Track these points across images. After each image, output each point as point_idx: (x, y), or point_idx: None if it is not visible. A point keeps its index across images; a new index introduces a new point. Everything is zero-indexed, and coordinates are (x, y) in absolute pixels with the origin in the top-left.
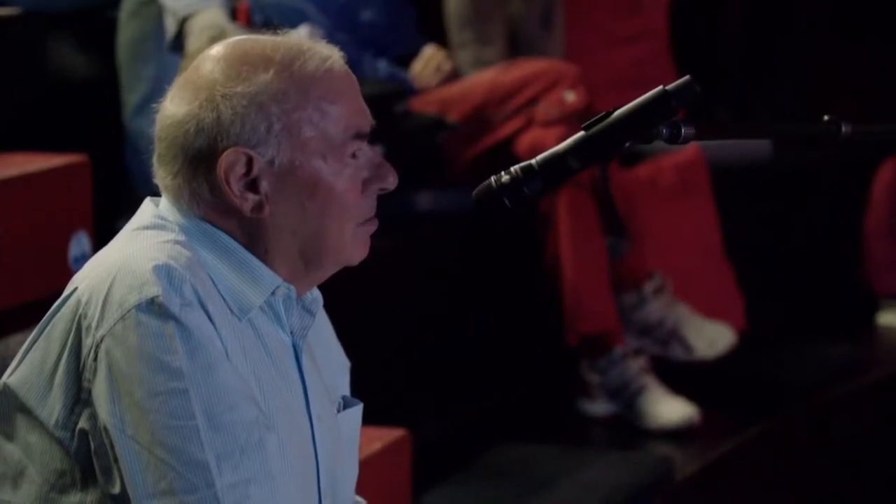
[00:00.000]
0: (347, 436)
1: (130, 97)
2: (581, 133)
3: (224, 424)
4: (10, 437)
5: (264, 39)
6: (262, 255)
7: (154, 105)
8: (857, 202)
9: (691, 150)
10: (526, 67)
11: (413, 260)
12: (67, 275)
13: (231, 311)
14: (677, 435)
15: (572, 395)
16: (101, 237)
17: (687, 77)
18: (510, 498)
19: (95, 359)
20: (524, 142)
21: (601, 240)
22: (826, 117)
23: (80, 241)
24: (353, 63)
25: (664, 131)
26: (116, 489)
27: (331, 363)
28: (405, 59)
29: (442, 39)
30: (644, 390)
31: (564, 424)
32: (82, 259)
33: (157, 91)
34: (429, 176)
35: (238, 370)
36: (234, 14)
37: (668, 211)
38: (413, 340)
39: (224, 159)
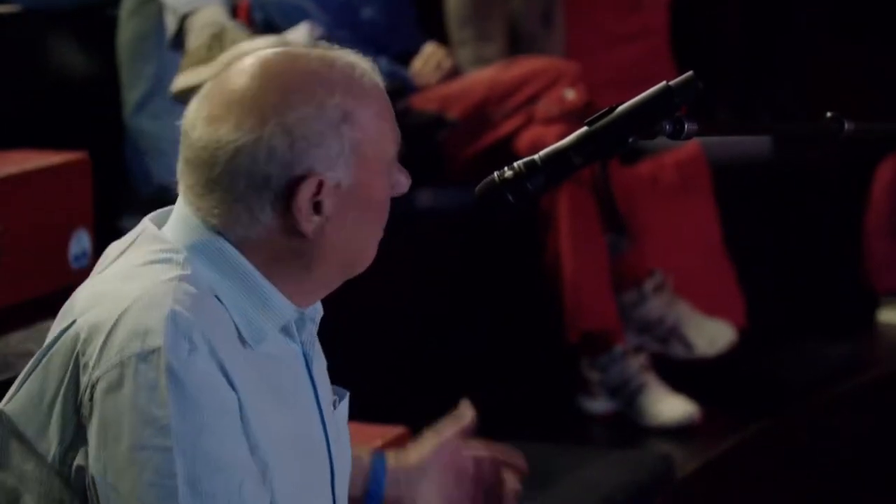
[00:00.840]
0: (342, 425)
1: (131, 95)
2: (584, 129)
3: (204, 490)
4: (3, 464)
5: (312, 55)
6: (301, 272)
7: (154, 102)
8: (858, 200)
9: (692, 147)
10: (526, 65)
11: (413, 258)
12: (68, 273)
13: (242, 337)
14: (678, 433)
15: (572, 393)
16: (102, 235)
17: (689, 73)
18: None
19: (91, 398)
20: (524, 139)
21: (601, 237)
22: (828, 114)
23: (81, 239)
24: None
25: (667, 127)
26: None
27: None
28: (405, 57)
29: (442, 37)
30: (644, 388)
31: (564, 422)
32: (82, 257)
33: (157, 89)
34: (429, 173)
35: (247, 413)
36: (234, 11)
37: (669, 209)
38: (413, 338)
39: (306, 187)
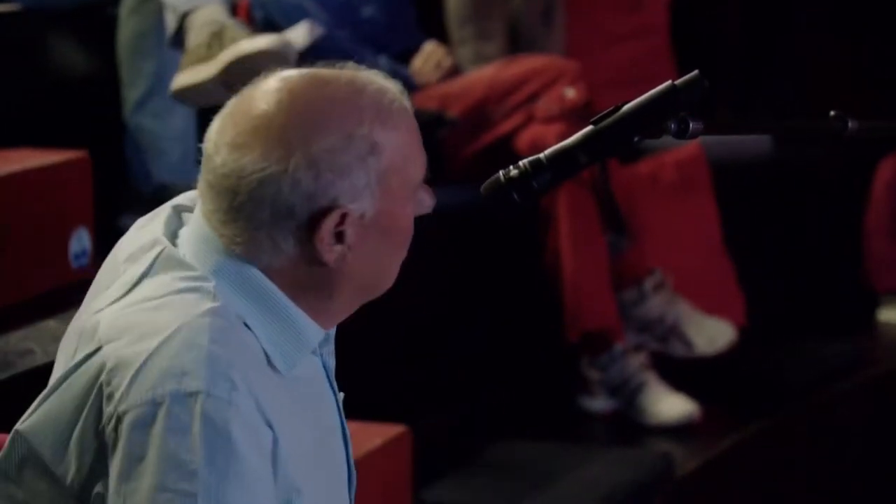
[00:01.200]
0: None
1: (131, 93)
2: (590, 127)
3: None
4: (15, 481)
5: (341, 81)
6: (324, 299)
7: (154, 100)
8: (858, 199)
9: (692, 147)
10: (526, 64)
11: (413, 256)
12: (68, 271)
13: (271, 363)
14: (677, 431)
15: (573, 392)
16: (102, 234)
17: (695, 72)
18: (510, 494)
19: (115, 430)
20: (524, 138)
21: (601, 237)
22: (832, 113)
23: (81, 238)
24: (352, 60)
25: (672, 126)
26: None
27: None
28: (405, 56)
29: (442, 36)
30: (644, 387)
31: (565, 421)
32: (83, 256)
33: (157, 87)
34: (429, 172)
35: (280, 442)
36: (234, 10)
37: (669, 208)
38: (413, 337)
39: (330, 220)
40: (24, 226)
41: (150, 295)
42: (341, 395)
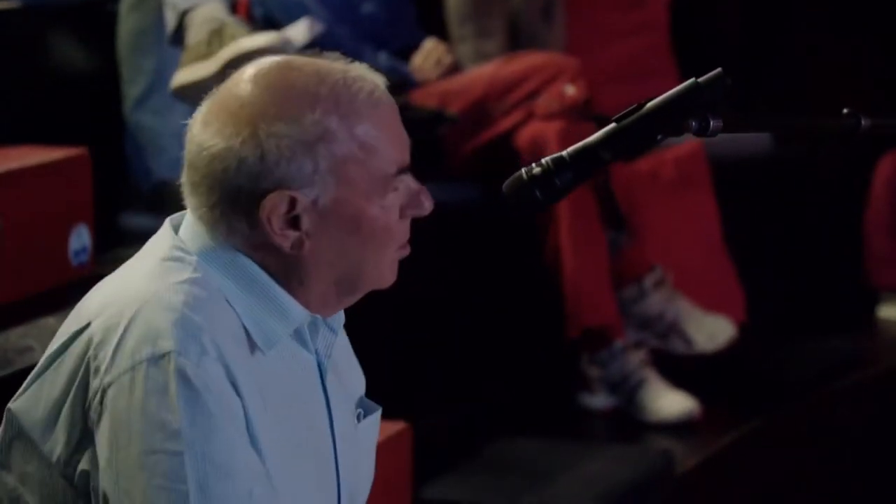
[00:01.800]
0: (366, 442)
1: (131, 90)
2: (613, 125)
3: (215, 494)
4: (4, 464)
5: (308, 67)
6: (297, 286)
7: (154, 98)
8: (858, 196)
9: (691, 144)
10: (526, 61)
11: (412, 253)
12: (68, 268)
13: (252, 342)
14: (677, 428)
15: (573, 389)
16: (102, 230)
17: (718, 69)
18: (510, 491)
19: (101, 402)
20: (524, 135)
21: (601, 234)
22: (845, 111)
23: (81, 235)
24: (353, 56)
25: (693, 124)
26: None
27: (352, 375)
28: (406, 53)
29: (442, 33)
30: (644, 384)
31: (565, 418)
32: (82, 253)
33: (157, 84)
34: (429, 169)
35: (252, 418)
36: (234, 7)
37: (669, 204)
38: (412, 334)
39: (268, 202)
40: (24, 223)
41: (134, 266)
42: (378, 409)
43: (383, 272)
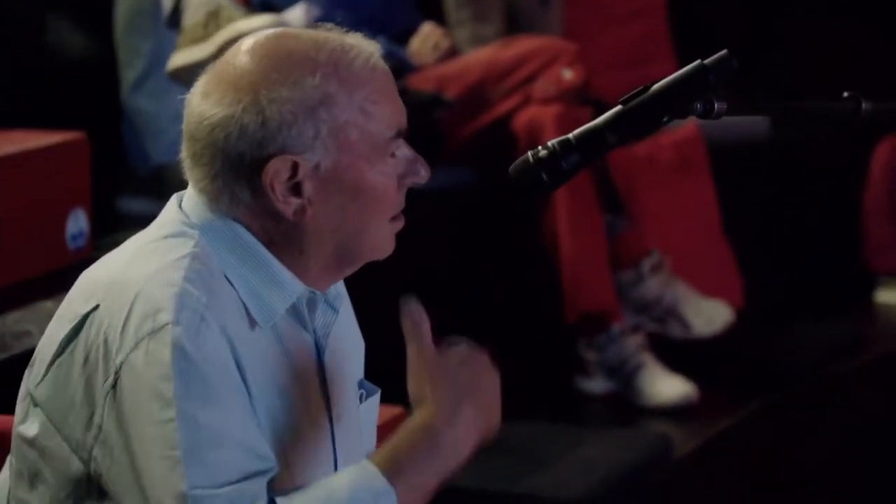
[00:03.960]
0: (367, 422)
1: (128, 73)
2: (619, 107)
3: (208, 461)
4: (28, 439)
5: (304, 35)
6: (297, 255)
7: (151, 80)
8: (856, 181)
9: (689, 128)
10: (523, 45)
11: (409, 237)
12: (65, 253)
13: (251, 318)
14: (675, 413)
15: (570, 373)
16: (99, 215)
17: (724, 51)
18: (508, 475)
19: (114, 385)
20: (521, 119)
21: (599, 217)
22: (846, 94)
23: (78, 219)
24: None
25: (698, 107)
26: None
27: (351, 350)
28: (403, 37)
29: (440, 17)
30: (642, 368)
31: (562, 402)
32: (80, 237)
33: (154, 67)
34: (426, 153)
35: (252, 391)
36: None
37: (667, 188)
38: None
39: (271, 167)
40: (21, 207)
41: (141, 244)
42: (377, 391)
43: (381, 242)
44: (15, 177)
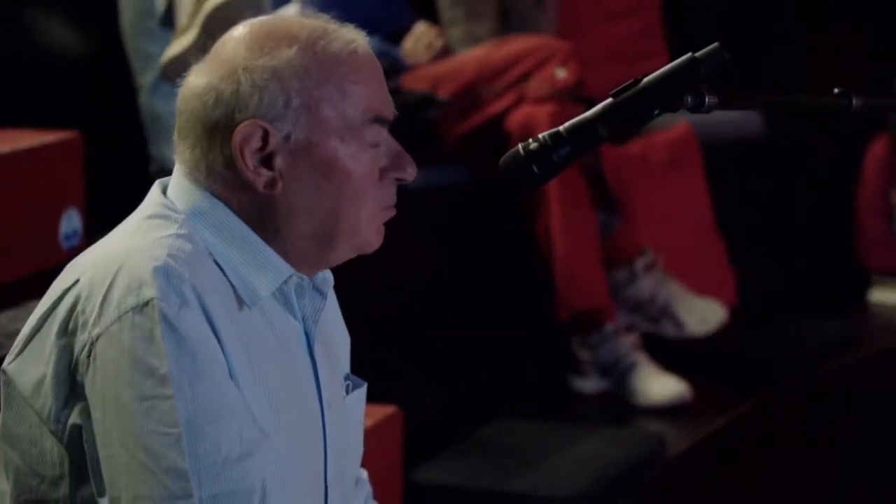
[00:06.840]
0: (354, 416)
1: (143, 78)
2: (610, 100)
3: (207, 435)
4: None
5: (292, 18)
6: (274, 234)
7: (165, 83)
8: (849, 178)
9: (682, 126)
10: (517, 44)
11: (404, 236)
12: (58, 252)
13: (239, 300)
14: (668, 412)
15: (564, 372)
16: (93, 214)
17: (715, 44)
18: (502, 474)
19: (90, 356)
20: (515, 118)
21: (592, 216)
22: (836, 90)
23: (71, 218)
24: None
25: (688, 100)
26: (104, 486)
27: (338, 341)
28: (397, 36)
29: (433, 16)
30: (635, 367)
31: (556, 401)
32: (73, 236)
33: None
34: (420, 152)
35: (235, 373)
36: None
37: (660, 187)
38: (404, 316)
39: (240, 131)
40: (14, 206)
41: (124, 226)
42: (363, 384)
43: (362, 230)
44: (9, 176)
